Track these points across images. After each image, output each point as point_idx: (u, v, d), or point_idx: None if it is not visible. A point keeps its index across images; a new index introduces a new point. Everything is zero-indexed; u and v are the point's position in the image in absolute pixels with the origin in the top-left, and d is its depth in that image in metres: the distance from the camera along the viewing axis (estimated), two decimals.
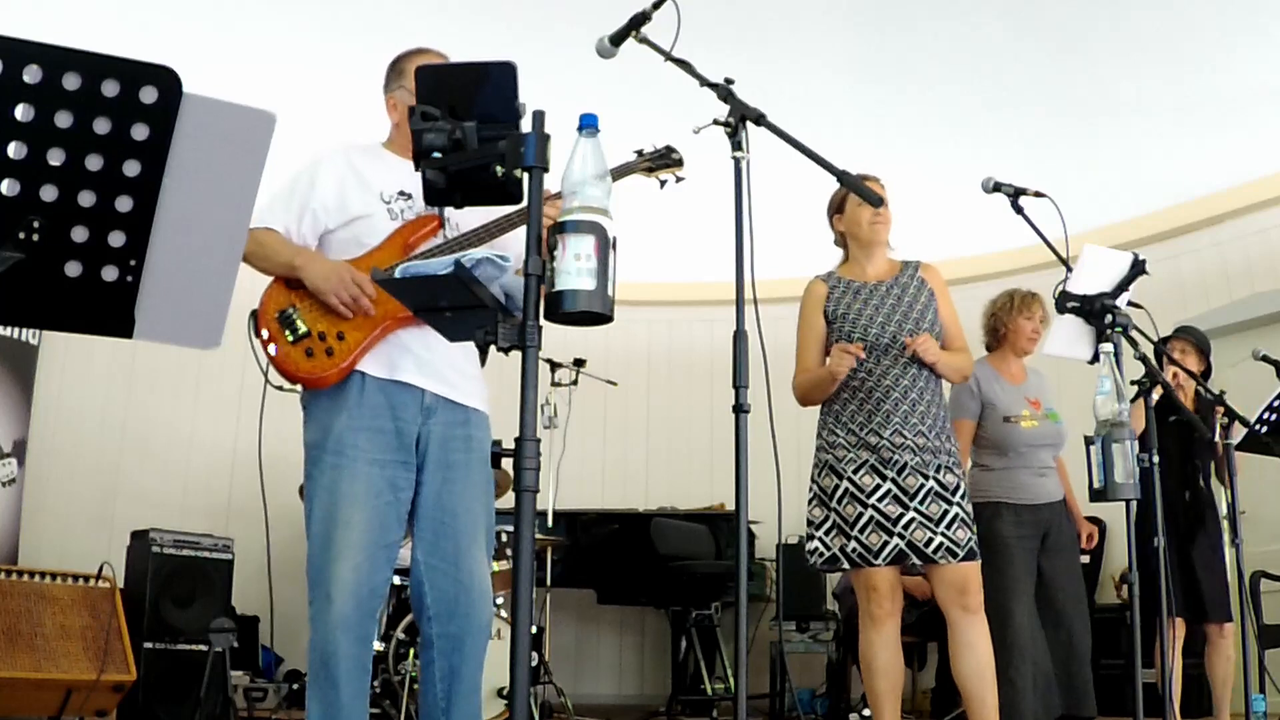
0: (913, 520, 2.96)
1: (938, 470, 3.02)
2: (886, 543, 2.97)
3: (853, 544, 3.01)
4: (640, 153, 2.75)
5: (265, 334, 2.38)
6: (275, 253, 2.41)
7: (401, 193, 2.48)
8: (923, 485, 2.99)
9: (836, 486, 3.07)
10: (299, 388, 2.45)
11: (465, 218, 2.49)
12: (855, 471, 3.04)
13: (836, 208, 3.29)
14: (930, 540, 2.95)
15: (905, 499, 2.98)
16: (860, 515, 3.01)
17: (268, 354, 2.37)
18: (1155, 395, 3.36)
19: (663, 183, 2.80)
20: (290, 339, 2.36)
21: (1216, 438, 3.80)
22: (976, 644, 3.01)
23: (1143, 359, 2.94)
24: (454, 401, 2.45)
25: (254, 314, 2.42)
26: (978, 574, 3.03)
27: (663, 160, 2.77)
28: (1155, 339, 3.53)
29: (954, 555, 2.96)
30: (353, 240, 2.42)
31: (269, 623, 5.67)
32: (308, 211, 2.46)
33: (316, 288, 2.35)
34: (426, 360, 2.41)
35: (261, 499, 2.65)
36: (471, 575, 2.37)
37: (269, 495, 2.63)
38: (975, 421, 3.77)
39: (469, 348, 2.50)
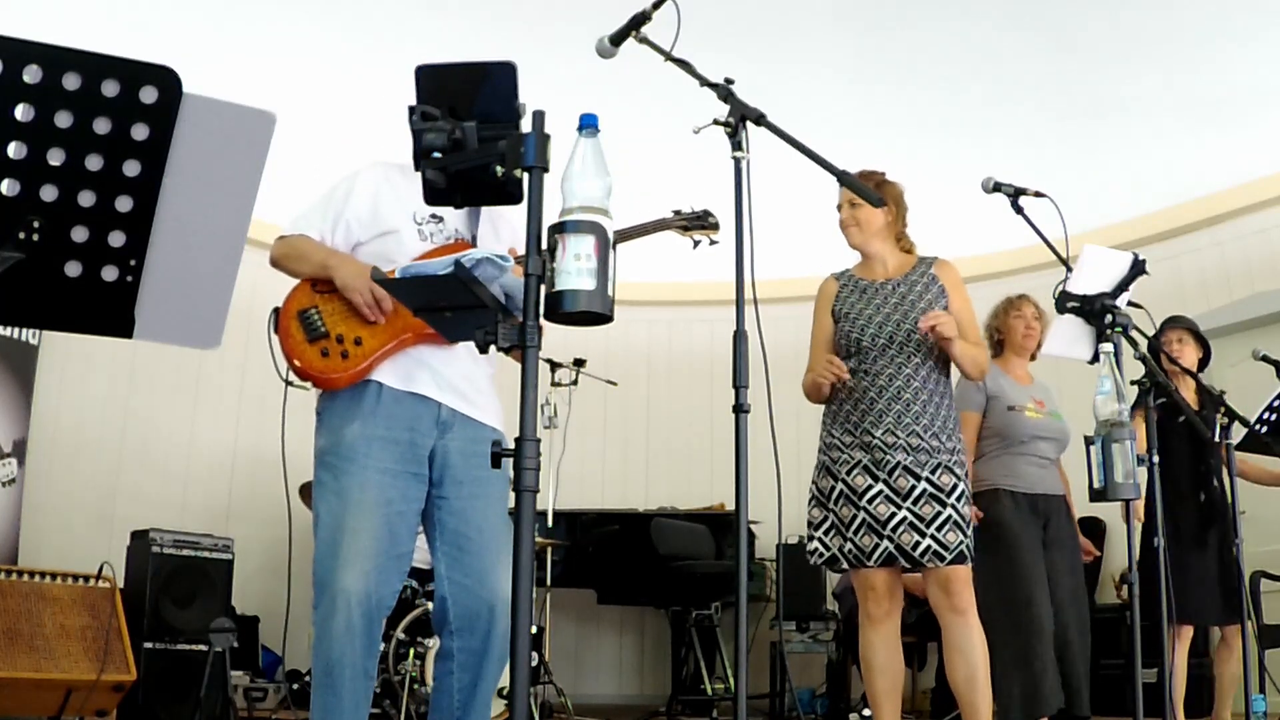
0: (903, 521, 2.96)
1: (934, 470, 2.99)
2: (877, 545, 2.98)
3: (849, 545, 3.02)
4: (678, 212, 2.79)
5: (284, 331, 2.39)
6: (310, 254, 2.44)
7: (434, 216, 2.49)
8: (914, 486, 2.97)
9: (833, 488, 3.08)
10: (314, 391, 2.45)
11: (491, 245, 2.51)
12: (849, 473, 3.04)
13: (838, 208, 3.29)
14: (918, 544, 2.94)
15: (897, 499, 2.98)
16: (854, 517, 3.02)
17: (284, 350, 2.38)
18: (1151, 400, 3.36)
19: (696, 243, 2.85)
20: (308, 338, 2.38)
21: (1217, 437, 3.79)
22: (967, 648, 3.00)
23: (1143, 359, 2.94)
24: (471, 418, 2.46)
25: (275, 311, 2.43)
26: (965, 575, 3.01)
27: (699, 222, 2.81)
28: (1150, 335, 3.52)
29: (941, 559, 2.94)
30: (380, 256, 2.42)
31: (275, 622, 5.67)
32: (342, 221, 2.48)
33: (345, 284, 2.36)
34: (443, 375, 2.42)
35: (286, 500, 2.65)
36: (495, 593, 2.37)
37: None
38: (980, 414, 3.79)
39: (486, 365, 2.51)
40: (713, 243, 2.86)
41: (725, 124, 2.16)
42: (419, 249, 2.45)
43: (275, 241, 2.50)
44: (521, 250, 2.47)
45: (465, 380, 2.46)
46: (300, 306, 2.41)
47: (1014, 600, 3.48)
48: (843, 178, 2.27)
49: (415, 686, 4.37)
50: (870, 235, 3.21)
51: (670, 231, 2.81)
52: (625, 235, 2.60)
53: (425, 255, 2.44)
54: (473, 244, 2.49)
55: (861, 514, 3.00)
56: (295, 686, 5.28)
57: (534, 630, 4.80)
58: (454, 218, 2.50)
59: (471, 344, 1.59)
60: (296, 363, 2.37)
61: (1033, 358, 3.98)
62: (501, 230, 2.57)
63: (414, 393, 2.40)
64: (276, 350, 2.39)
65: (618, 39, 2.31)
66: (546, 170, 1.55)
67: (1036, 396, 3.85)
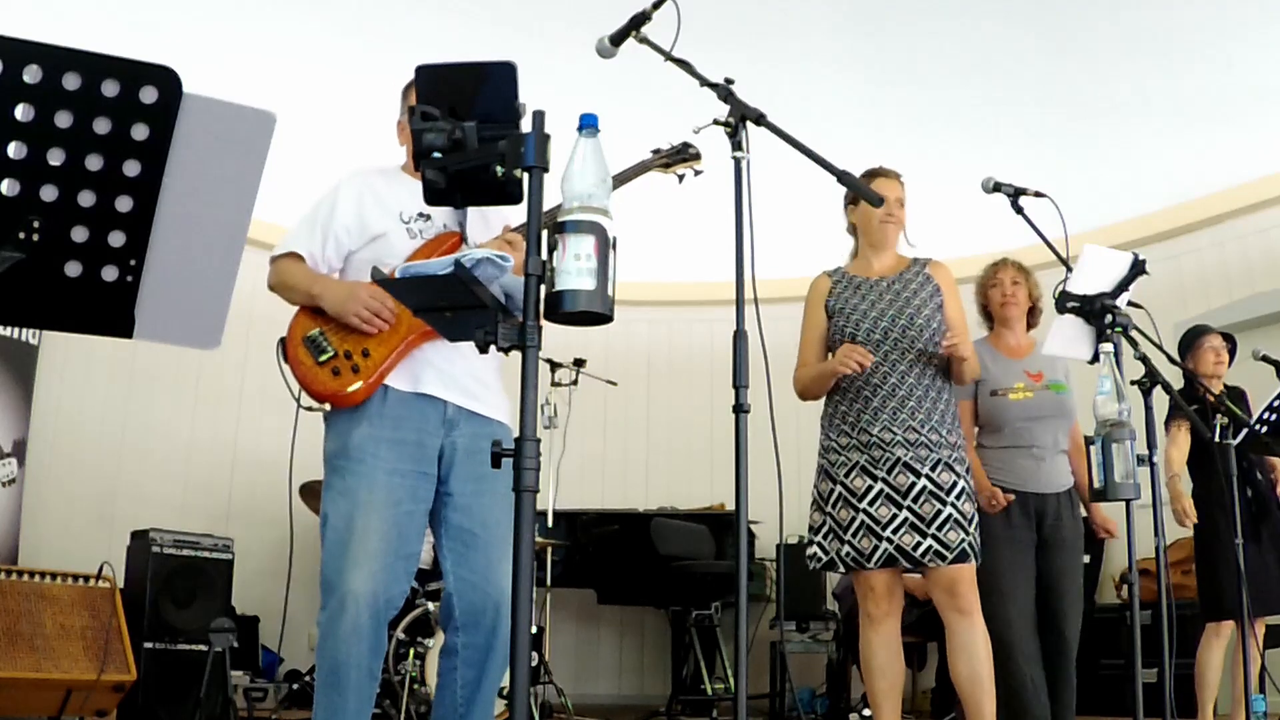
0: (904, 522, 2.95)
1: (934, 467, 2.98)
2: (877, 547, 2.97)
3: (846, 548, 3.01)
4: (657, 151, 2.76)
5: (294, 360, 2.41)
6: (298, 283, 2.46)
7: (421, 214, 2.49)
8: (914, 484, 2.97)
9: (831, 491, 3.07)
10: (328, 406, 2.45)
11: (481, 235, 2.51)
12: (847, 475, 3.04)
13: (851, 199, 3.26)
14: (919, 544, 2.93)
15: (898, 498, 2.97)
16: (853, 519, 3.01)
17: (298, 378, 2.39)
18: (1182, 426, 3.31)
19: (680, 177, 2.81)
20: (317, 361, 2.38)
21: (1217, 437, 3.78)
22: (971, 647, 2.99)
23: (1143, 359, 2.94)
24: (478, 414, 2.46)
25: (282, 341, 2.44)
26: (970, 575, 2.99)
27: (679, 156, 2.78)
28: (1163, 337, 3.49)
29: (942, 558, 2.92)
30: (373, 261, 2.40)
31: (275, 622, 5.67)
32: (330, 236, 2.49)
33: (336, 311, 2.38)
34: (448, 372, 2.43)
35: (289, 517, 2.66)
36: (501, 590, 2.37)
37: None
38: (972, 401, 3.62)
39: (491, 360, 2.50)
40: (697, 173, 2.80)
41: (725, 124, 2.16)
42: (410, 247, 2.45)
43: (270, 264, 2.51)
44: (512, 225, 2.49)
45: (470, 376, 2.46)
46: (304, 332, 2.42)
47: (985, 616, 3.35)
48: (842, 178, 2.27)
49: (415, 686, 4.37)
50: (897, 236, 3.24)
51: (654, 172, 2.76)
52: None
53: (417, 252, 2.45)
54: (462, 232, 2.50)
55: (860, 516, 3.00)
56: (295, 686, 5.28)
57: (534, 630, 4.80)
58: (441, 211, 2.49)
59: None
60: (313, 388, 2.38)
61: (1031, 324, 3.77)
62: (491, 217, 2.57)
63: (420, 393, 2.40)
64: (291, 380, 2.40)
65: (618, 39, 2.31)
66: (546, 170, 1.55)
67: (1032, 370, 3.61)
